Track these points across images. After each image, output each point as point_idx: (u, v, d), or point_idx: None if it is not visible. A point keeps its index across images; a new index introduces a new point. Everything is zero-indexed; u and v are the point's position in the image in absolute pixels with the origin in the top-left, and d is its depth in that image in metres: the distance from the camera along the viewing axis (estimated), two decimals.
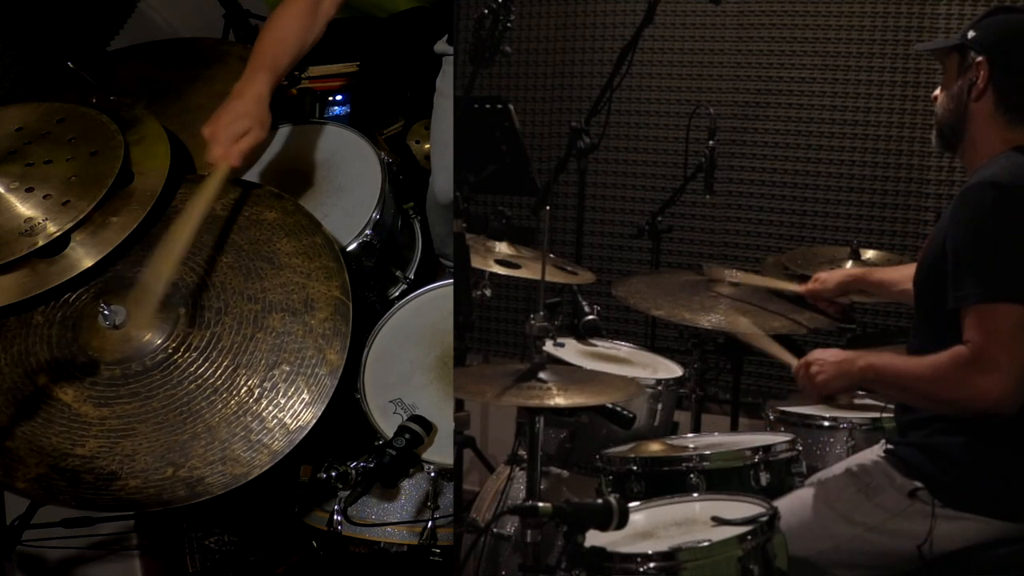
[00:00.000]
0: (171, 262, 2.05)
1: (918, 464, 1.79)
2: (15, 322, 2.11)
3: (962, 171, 2.66)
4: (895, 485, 1.80)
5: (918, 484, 1.77)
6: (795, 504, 1.89)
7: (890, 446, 1.87)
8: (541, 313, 2.01)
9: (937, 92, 1.92)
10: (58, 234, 2.07)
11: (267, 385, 2.02)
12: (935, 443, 1.78)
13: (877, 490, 1.81)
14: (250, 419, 1.99)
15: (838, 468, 1.92)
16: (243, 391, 2.01)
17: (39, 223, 2.08)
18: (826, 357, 1.89)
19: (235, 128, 2.21)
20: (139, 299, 2.07)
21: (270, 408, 2.00)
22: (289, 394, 2.02)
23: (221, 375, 2.03)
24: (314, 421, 2.00)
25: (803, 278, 2.42)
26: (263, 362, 2.04)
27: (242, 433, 1.98)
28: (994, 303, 1.68)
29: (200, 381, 2.02)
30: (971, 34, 1.84)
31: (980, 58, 1.82)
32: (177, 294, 2.10)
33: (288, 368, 2.04)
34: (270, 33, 2.37)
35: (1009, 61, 1.81)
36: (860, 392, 2.01)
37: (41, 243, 2.06)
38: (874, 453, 1.89)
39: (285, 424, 1.99)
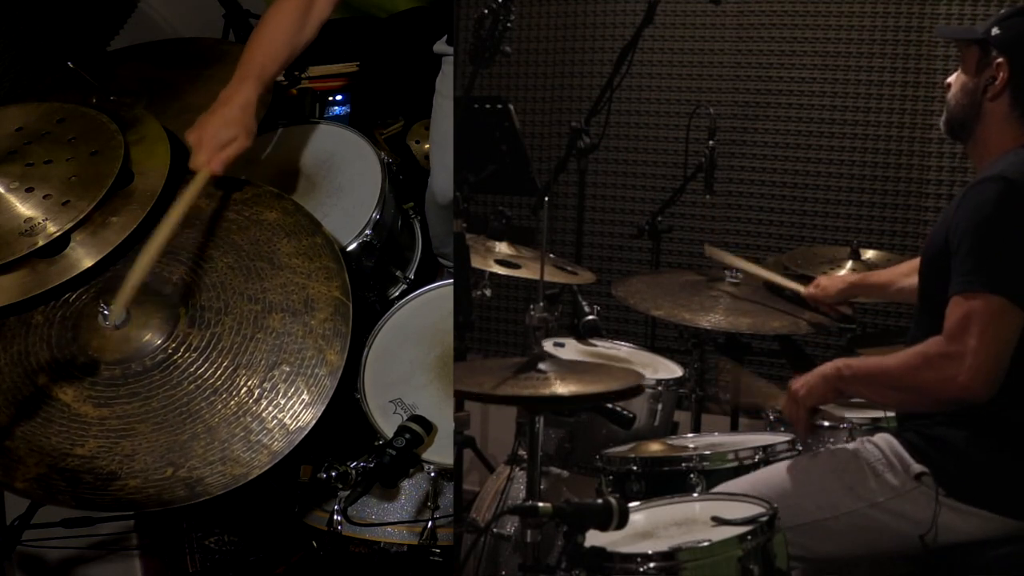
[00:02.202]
0: (143, 266, 2.03)
1: (924, 450, 1.77)
2: (15, 322, 2.11)
3: (963, 171, 2.68)
4: (903, 464, 1.78)
5: (924, 469, 1.75)
6: (804, 466, 1.88)
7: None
8: (541, 304, 2.01)
9: (951, 79, 1.90)
10: (58, 234, 2.07)
11: (267, 385, 2.02)
12: (936, 434, 1.77)
13: (885, 467, 1.79)
14: (250, 419, 1.99)
15: (850, 443, 1.91)
16: (243, 391, 2.01)
17: (39, 223, 2.08)
18: (803, 375, 1.89)
19: (221, 136, 2.21)
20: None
21: (270, 408, 2.00)
22: (289, 394, 2.02)
23: (221, 375, 2.03)
24: (314, 421, 1.99)
25: (803, 278, 2.42)
26: (263, 362, 2.04)
27: (242, 433, 1.97)
28: (976, 292, 1.68)
29: (200, 381, 2.02)
30: (995, 31, 1.81)
31: (1001, 59, 1.80)
32: (177, 294, 2.10)
33: (288, 368, 2.04)
34: (260, 37, 2.35)
35: None
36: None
37: (41, 243, 2.06)
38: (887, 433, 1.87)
39: (285, 424, 1.99)
